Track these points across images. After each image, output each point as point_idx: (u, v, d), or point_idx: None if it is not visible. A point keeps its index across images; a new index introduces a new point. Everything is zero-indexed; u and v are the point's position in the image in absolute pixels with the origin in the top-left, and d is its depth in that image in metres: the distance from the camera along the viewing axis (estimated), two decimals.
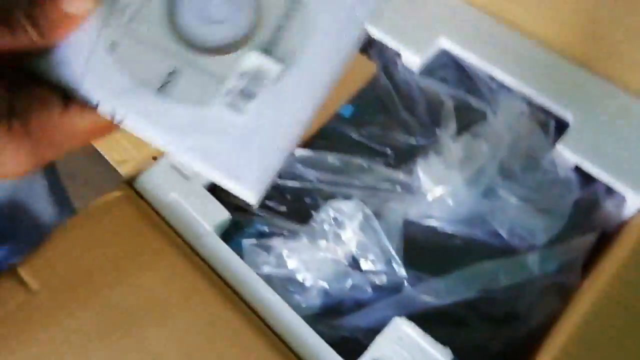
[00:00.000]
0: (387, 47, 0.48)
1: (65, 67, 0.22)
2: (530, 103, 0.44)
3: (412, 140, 0.43)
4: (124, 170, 0.41)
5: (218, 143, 0.22)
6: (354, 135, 0.44)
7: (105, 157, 0.41)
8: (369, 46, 0.49)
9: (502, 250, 0.39)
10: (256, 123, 0.22)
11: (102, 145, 0.41)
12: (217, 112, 0.22)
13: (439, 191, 0.40)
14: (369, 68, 0.47)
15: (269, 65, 0.23)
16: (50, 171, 0.48)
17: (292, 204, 0.42)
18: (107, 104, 0.22)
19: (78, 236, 0.38)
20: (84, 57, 0.22)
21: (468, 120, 0.44)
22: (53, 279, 0.36)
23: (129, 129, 0.22)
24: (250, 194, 0.22)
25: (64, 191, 0.52)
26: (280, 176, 0.43)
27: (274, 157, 0.22)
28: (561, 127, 0.43)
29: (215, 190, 0.41)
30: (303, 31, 0.23)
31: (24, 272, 0.36)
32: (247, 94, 0.22)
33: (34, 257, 0.37)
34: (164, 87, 0.22)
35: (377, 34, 0.47)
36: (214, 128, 0.22)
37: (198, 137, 0.22)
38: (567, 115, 0.43)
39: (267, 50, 0.23)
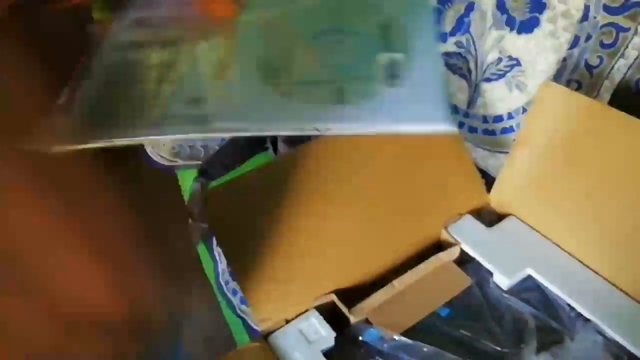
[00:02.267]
0: (482, 266, 0.58)
1: None
2: (604, 335, 0.51)
3: (498, 348, 0.51)
4: (263, 326, 0.52)
5: (397, 108, 0.35)
6: (448, 334, 0.53)
7: (252, 315, 0.52)
8: (468, 262, 0.60)
9: None
10: (409, 89, 0.36)
11: (252, 306, 0.53)
12: (388, 93, 0.36)
13: None
14: (465, 281, 0.58)
15: (396, 56, 0.37)
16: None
17: None
18: (324, 125, 0.35)
19: None
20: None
21: (548, 340, 0.51)
22: None
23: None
24: (443, 127, 0.35)
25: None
26: (381, 356, 0.52)
27: (435, 98, 0.36)
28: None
29: (328, 355, 0.50)
30: (407, 31, 0.39)
31: None
32: (395, 76, 0.36)
33: None
34: (340, 99, 0.36)
35: (475, 255, 0.58)
36: (390, 102, 0.35)
37: (385, 112, 0.35)
38: (639, 352, 0.49)
39: (388, 49, 0.38)
